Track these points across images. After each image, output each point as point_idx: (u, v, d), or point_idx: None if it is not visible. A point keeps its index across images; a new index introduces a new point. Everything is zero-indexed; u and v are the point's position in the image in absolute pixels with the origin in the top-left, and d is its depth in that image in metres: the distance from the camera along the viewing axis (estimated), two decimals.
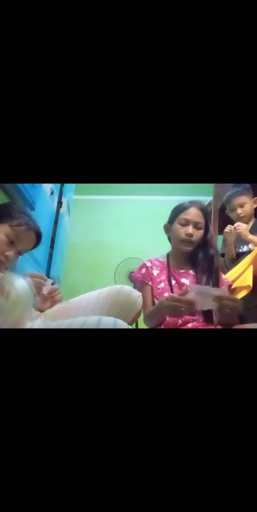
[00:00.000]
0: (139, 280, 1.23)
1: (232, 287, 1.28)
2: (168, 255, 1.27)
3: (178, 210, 1.19)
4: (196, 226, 1.14)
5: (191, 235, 1.13)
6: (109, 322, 0.64)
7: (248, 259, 1.33)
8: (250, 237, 1.45)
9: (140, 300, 0.87)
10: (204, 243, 1.17)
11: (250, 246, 1.50)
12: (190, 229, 1.13)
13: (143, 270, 1.23)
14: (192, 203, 1.18)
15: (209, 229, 1.20)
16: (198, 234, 1.15)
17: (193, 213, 1.14)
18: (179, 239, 1.15)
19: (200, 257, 1.17)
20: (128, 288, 0.87)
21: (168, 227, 1.24)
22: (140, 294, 0.89)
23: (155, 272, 1.21)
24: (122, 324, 0.64)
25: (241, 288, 1.27)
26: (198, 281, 1.14)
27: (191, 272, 1.19)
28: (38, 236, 0.90)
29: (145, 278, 1.21)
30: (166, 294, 1.11)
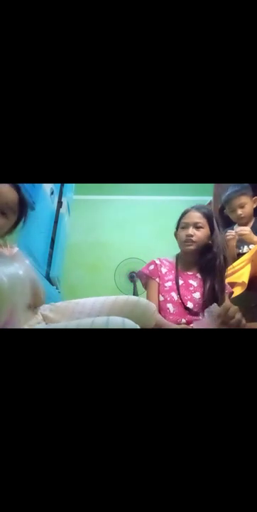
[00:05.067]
0: (146, 275, 1.25)
1: (227, 281, 1.27)
2: (177, 256, 1.31)
3: (180, 217, 1.27)
4: (196, 226, 1.19)
5: (191, 236, 1.18)
6: (118, 322, 0.64)
7: (246, 256, 1.32)
8: (256, 239, 1.44)
9: (156, 313, 0.89)
10: (211, 245, 1.19)
11: (250, 246, 1.49)
12: (190, 230, 1.18)
13: (152, 267, 1.25)
14: (192, 207, 1.24)
15: (215, 229, 1.21)
16: (199, 233, 1.18)
17: (192, 215, 1.21)
18: (182, 240, 1.21)
19: (206, 259, 1.19)
20: (145, 301, 0.88)
21: (177, 234, 1.29)
22: (155, 308, 0.89)
23: (164, 270, 1.24)
24: (131, 325, 0.64)
25: (236, 284, 1.25)
26: (204, 285, 1.17)
27: (198, 275, 1.22)
28: (21, 197, 0.85)
29: (153, 274, 1.23)
30: (173, 294, 1.16)
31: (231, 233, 1.47)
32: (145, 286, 1.27)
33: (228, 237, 1.47)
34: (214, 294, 1.13)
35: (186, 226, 1.20)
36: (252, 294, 1.25)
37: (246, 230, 1.45)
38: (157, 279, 1.22)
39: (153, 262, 1.27)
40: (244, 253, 1.51)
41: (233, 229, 1.53)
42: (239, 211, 1.57)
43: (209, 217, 1.21)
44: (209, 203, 1.97)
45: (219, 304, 1.05)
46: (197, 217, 1.19)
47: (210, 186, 2.05)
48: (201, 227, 1.19)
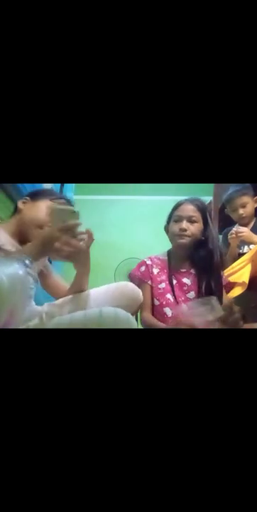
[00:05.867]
0: (138, 278, 1.18)
1: (228, 281, 1.26)
2: (169, 253, 1.24)
3: (172, 209, 1.20)
4: (190, 220, 1.12)
5: (184, 230, 1.11)
6: (110, 312, 0.66)
7: (247, 256, 1.31)
8: (256, 239, 1.44)
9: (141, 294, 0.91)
10: (205, 240, 1.14)
11: (251, 246, 1.49)
12: (183, 224, 1.11)
13: (143, 268, 1.19)
14: (186, 200, 1.18)
15: (209, 224, 1.15)
16: (193, 228, 1.12)
17: (186, 208, 1.14)
18: (175, 234, 1.14)
19: (200, 254, 1.13)
20: (132, 284, 0.93)
21: (168, 228, 1.23)
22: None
23: (155, 271, 1.18)
24: (123, 314, 0.66)
25: (237, 284, 1.25)
26: (199, 281, 1.11)
27: (192, 271, 1.16)
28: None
29: (145, 277, 1.17)
30: (168, 296, 1.11)
31: (235, 233, 1.46)
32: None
33: (230, 237, 1.47)
34: (211, 293, 1.06)
35: (179, 219, 1.13)
36: (252, 294, 1.24)
37: (244, 230, 1.45)
38: (150, 282, 1.16)
39: (144, 263, 1.21)
40: (244, 253, 1.51)
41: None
42: (241, 211, 1.57)
43: (203, 211, 1.15)
44: (209, 203, 1.96)
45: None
46: (191, 210, 1.13)
47: (210, 186, 2.05)
48: (195, 222, 1.12)
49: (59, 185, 2.02)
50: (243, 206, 1.57)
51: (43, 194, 0.93)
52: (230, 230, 1.51)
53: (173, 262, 1.20)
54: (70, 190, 2.30)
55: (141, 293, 0.91)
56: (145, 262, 1.21)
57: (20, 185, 1.21)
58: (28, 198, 0.92)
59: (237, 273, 1.29)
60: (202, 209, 1.15)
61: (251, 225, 1.57)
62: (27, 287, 0.73)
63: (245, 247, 1.54)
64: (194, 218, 1.12)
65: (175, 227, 1.14)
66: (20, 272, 0.70)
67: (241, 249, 1.56)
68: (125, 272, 2.60)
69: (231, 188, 1.63)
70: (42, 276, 1.01)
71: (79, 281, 0.92)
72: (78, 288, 0.93)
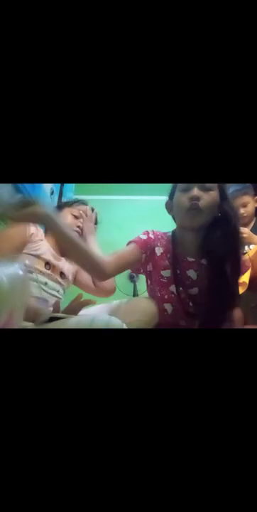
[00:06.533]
0: (134, 242, 0.91)
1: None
2: (174, 233, 0.95)
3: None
4: (203, 187, 0.80)
5: (197, 198, 0.79)
6: (103, 320, 0.64)
7: (246, 256, 1.32)
8: (256, 239, 1.44)
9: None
10: (222, 217, 0.82)
11: (251, 247, 1.49)
12: (195, 191, 0.80)
13: (144, 236, 0.92)
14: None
15: (227, 197, 0.85)
16: (207, 197, 0.80)
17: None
18: (184, 208, 0.82)
19: (217, 235, 0.81)
20: (145, 299, 0.89)
21: (170, 205, 0.92)
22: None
23: (158, 251, 0.92)
24: (117, 322, 0.65)
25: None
26: (210, 275, 0.84)
27: (203, 261, 0.88)
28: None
29: (142, 247, 0.89)
30: (172, 288, 0.90)
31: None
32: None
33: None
34: (223, 287, 0.82)
35: (189, 187, 0.81)
36: (252, 294, 1.24)
37: (245, 231, 1.45)
38: (144, 256, 0.90)
39: (146, 233, 0.94)
40: (245, 253, 1.51)
41: None
42: (242, 210, 1.57)
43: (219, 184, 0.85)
44: None
45: (231, 298, 0.84)
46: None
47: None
48: (210, 189, 0.81)
49: (59, 185, 2.02)
50: (244, 206, 1.58)
51: (62, 206, 1.14)
52: None
53: (179, 248, 0.92)
54: (70, 190, 2.30)
55: (156, 308, 0.78)
56: (148, 233, 0.94)
57: (20, 185, 1.22)
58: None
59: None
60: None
61: (251, 225, 1.57)
62: (27, 287, 0.73)
63: (246, 247, 1.54)
64: (208, 186, 0.81)
65: (183, 197, 0.82)
66: (20, 272, 0.70)
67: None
68: (125, 272, 2.59)
69: (232, 188, 1.62)
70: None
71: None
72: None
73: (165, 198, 0.94)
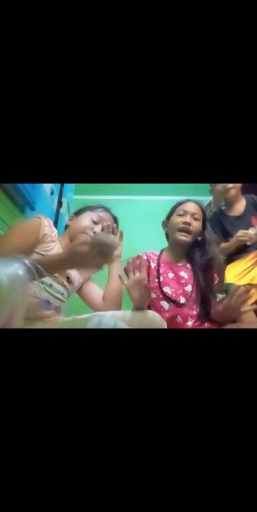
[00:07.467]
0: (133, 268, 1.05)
1: (244, 284, 1.28)
2: (162, 251, 1.27)
3: (176, 205, 1.24)
4: (193, 216, 1.17)
5: (189, 224, 1.15)
6: (109, 323, 0.64)
7: (250, 256, 1.34)
8: None
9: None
10: (202, 240, 1.18)
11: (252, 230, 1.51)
12: (188, 218, 1.16)
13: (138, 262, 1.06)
14: (189, 199, 1.24)
15: (207, 227, 1.22)
16: (196, 224, 1.17)
17: (190, 205, 1.20)
18: (177, 228, 1.17)
19: (198, 252, 1.17)
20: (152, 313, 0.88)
21: (166, 223, 1.26)
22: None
23: (153, 265, 1.20)
24: (123, 326, 0.64)
25: (252, 286, 1.27)
26: (195, 276, 1.14)
27: (188, 265, 1.19)
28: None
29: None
30: (166, 289, 1.11)
31: (246, 234, 1.49)
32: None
33: (241, 238, 1.50)
34: (204, 290, 1.11)
35: (184, 214, 1.18)
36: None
37: (249, 233, 1.48)
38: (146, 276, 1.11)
39: (139, 257, 1.08)
40: (248, 246, 1.52)
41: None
42: (228, 185, 1.60)
43: (203, 213, 1.21)
44: (209, 203, 1.97)
45: (213, 297, 1.11)
46: (195, 208, 1.19)
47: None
48: (197, 220, 1.18)
49: (59, 185, 2.02)
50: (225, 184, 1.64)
51: (85, 209, 1.10)
52: (220, 211, 1.64)
53: (170, 257, 1.22)
54: (70, 190, 2.30)
55: (163, 321, 0.85)
56: (141, 256, 1.12)
57: (20, 185, 1.22)
58: (73, 215, 1.11)
59: (247, 275, 1.33)
60: (203, 211, 1.22)
61: (243, 202, 1.62)
62: (27, 287, 0.73)
63: (250, 229, 1.57)
64: (197, 216, 1.18)
65: (178, 220, 1.18)
66: (20, 272, 0.70)
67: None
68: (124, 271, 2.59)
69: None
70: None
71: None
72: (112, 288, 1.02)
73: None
